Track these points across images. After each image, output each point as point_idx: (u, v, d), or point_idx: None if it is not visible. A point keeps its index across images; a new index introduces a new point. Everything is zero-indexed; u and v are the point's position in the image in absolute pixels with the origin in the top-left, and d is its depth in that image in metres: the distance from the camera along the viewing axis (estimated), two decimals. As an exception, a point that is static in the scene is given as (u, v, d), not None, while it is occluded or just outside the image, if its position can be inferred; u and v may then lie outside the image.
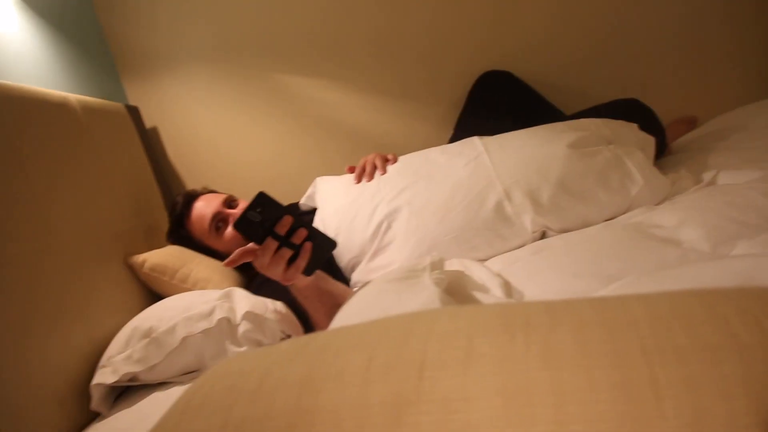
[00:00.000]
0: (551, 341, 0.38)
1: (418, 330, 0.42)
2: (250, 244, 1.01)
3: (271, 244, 0.97)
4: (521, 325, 0.40)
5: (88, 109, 1.67)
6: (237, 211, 1.64)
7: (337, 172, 1.69)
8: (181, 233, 1.68)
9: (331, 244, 1.02)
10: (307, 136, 2.24)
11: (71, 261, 1.33)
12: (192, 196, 1.70)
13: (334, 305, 1.09)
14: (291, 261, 1.00)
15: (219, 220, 1.63)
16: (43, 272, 1.23)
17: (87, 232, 1.44)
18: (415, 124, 2.22)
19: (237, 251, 1.01)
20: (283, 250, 0.98)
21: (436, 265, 0.87)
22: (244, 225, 0.96)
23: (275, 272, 1.00)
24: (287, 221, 0.97)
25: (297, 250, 0.99)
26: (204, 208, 1.65)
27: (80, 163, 1.53)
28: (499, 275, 0.96)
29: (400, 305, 0.72)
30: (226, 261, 1.01)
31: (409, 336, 0.41)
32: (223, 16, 2.21)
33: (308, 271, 1.01)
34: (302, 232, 0.98)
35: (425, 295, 0.70)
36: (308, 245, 0.99)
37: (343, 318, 0.78)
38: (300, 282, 1.07)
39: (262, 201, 0.96)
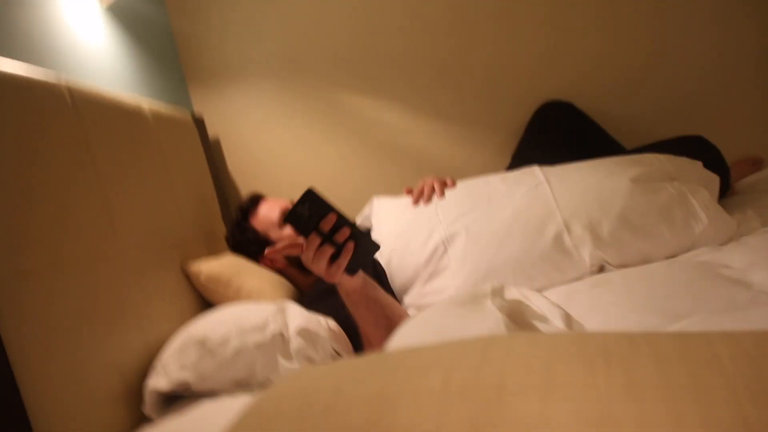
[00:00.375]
0: (633, 372, 0.37)
1: (495, 354, 0.42)
2: (298, 239, 1.03)
3: (315, 239, 0.99)
4: (601, 355, 0.39)
5: (157, 116, 1.73)
6: None
7: (394, 193, 1.71)
8: (243, 225, 1.75)
9: (375, 246, 1.03)
10: (366, 155, 2.26)
11: (132, 265, 1.36)
12: (259, 196, 1.81)
13: (381, 315, 1.10)
14: (334, 259, 1.02)
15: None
16: (105, 274, 1.26)
17: (149, 237, 1.48)
18: (474, 150, 2.22)
19: (283, 242, 1.05)
20: (326, 246, 1.00)
21: (497, 292, 0.87)
22: (293, 218, 0.99)
23: (318, 267, 1.02)
24: (331, 219, 0.99)
25: (339, 248, 1.00)
26: (273, 203, 1.76)
27: (147, 169, 1.58)
28: (558, 306, 0.94)
29: (465, 330, 0.71)
30: (270, 250, 1.05)
31: (486, 359, 0.41)
32: (291, 33, 2.27)
33: (350, 270, 1.03)
34: (345, 231, 1.00)
35: (491, 321, 0.70)
36: (350, 245, 1.01)
37: (403, 338, 0.78)
38: (348, 283, 1.08)
39: (310, 197, 0.98)
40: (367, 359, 0.46)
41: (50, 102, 1.24)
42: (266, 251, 1.07)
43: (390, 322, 1.11)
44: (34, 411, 0.97)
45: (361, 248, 1.01)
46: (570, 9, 2.13)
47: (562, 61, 2.17)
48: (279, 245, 1.05)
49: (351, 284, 1.09)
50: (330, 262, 1.01)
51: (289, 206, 1.69)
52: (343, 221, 1.00)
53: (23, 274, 1.03)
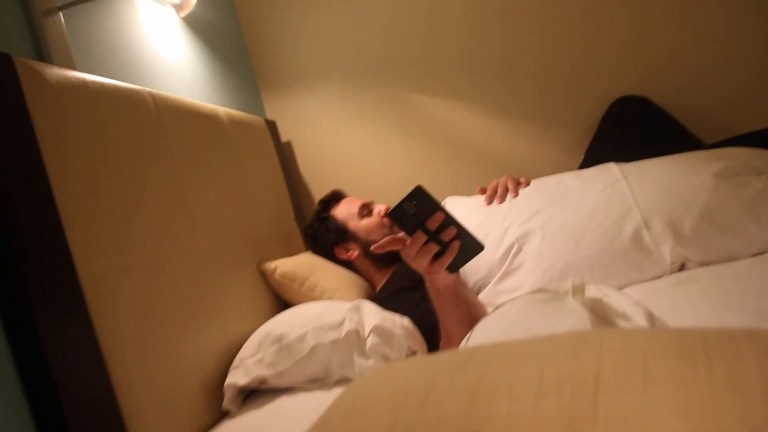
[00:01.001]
0: (735, 367, 0.36)
1: (589, 348, 0.41)
2: (401, 234, 1.04)
3: (421, 236, 1.00)
4: (701, 350, 0.38)
5: (233, 121, 1.79)
6: (383, 205, 1.78)
7: (465, 193, 1.70)
8: (323, 216, 1.82)
9: (479, 246, 1.02)
10: (437, 156, 2.26)
11: (212, 263, 1.41)
12: (340, 193, 1.91)
13: (467, 313, 1.10)
14: (436, 257, 1.02)
15: (367, 209, 1.79)
16: (188, 272, 1.31)
17: (227, 236, 1.53)
18: (545, 149, 2.18)
19: (387, 238, 1.05)
20: (431, 244, 1.00)
21: (578, 290, 0.86)
22: (398, 215, 0.99)
23: (420, 264, 1.02)
24: (439, 217, 0.99)
25: (444, 246, 1.01)
26: (353, 198, 1.85)
27: (224, 171, 1.63)
28: (640, 304, 0.92)
29: (549, 326, 0.71)
30: (375, 246, 1.05)
31: (580, 353, 0.41)
32: (359, 37, 2.30)
33: (452, 268, 1.03)
34: (452, 230, 1.00)
35: (575, 317, 0.69)
36: (456, 243, 1.01)
37: (485, 334, 0.78)
38: (441, 280, 1.08)
39: (418, 194, 0.99)
40: (460, 353, 0.47)
41: (136, 109, 1.30)
42: (372, 248, 1.07)
43: (474, 320, 1.09)
44: (125, 403, 1.02)
45: (464, 247, 1.01)
46: (641, 1, 2.07)
47: (635, 55, 2.11)
48: (382, 242, 1.05)
49: (444, 281, 1.09)
50: (433, 259, 1.02)
51: (369, 203, 1.73)
52: (450, 220, 1.00)
53: (117, 271, 1.09)
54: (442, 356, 0.48)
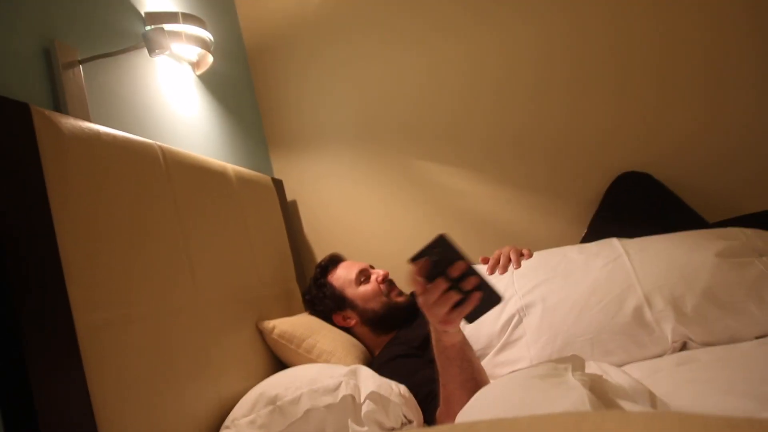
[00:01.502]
0: (738, 460, 0.36)
1: (588, 430, 0.41)
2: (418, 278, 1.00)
3: (441, 283, 0.98)
4: (703, 439, 0.38)
5: (241, 179, 1.81)
6: (382, 270, 1.78)
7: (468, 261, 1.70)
8: (321, 282, 1.81)
9: (498, 298, 1.01)
10: (440, 223, 2.27)
11: (211, 320, 1.40)
12: (338, 257, 1.89)
13: (470, 377, 1.08)
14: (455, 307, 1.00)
15: (364, 275, 1.78)
16: (186, 327, 1.30)
17: (227, 293, 1.52)
18: (548, 220, 2.19)
19: (411, 277, 1.01)
20: (451, 292, 0.98)
21: (578, 366, 0.84)
22: (420, 261, 0.98)
23: (438, 312, 1.00)
24: (461, 266, 0.98)
25: (464, 296, 0.99)
26: (351, 264, 1.83)
27: (229, 228, 1.64)
28: (641, 383, 0.91)
29: (548, 403, 0.70)
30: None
31: (578, 435, 0.40)
32: (366, 102, 2.36)
33: (470, 319, 1.01)
34: (473, 280, 0.99)
35: (574, 396, 0.68)
36: (477, 294, 0.99)
37: (482, 407, 0.77)
38: (449, 338, 1.07)
39: (441, 243, 0.98)
40: (458, 427, 0.46)
41: (146, 162, 1.32)
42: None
43: (476, 386, 1.08)
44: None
45: (484, 298, 1.00)
46: (643, 82, 2.12)
47: (638, 132, 2.14)
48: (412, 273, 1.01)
49: (452, 340, 1.08)
50: (451, 308, 1.00)
51: (367, 266, 1.73)
52: (472, 270, 0.99)
53: (114, 324, 1.08)
54: (441, 429, 0.47)
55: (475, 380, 1.10)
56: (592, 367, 1.05)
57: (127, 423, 1.05)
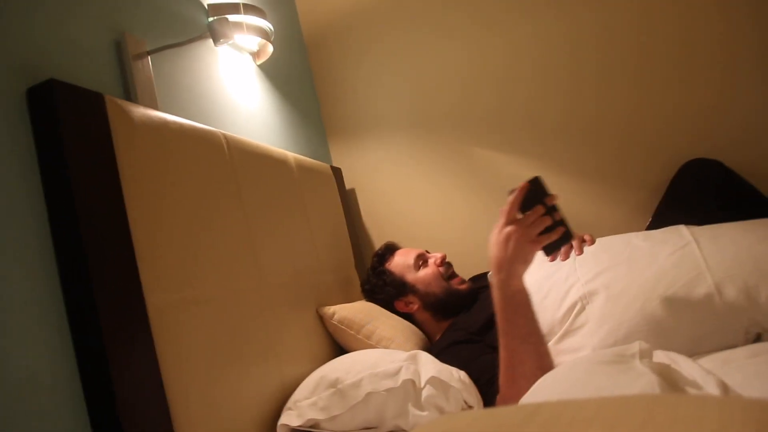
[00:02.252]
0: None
1: (660, 414, 0.40)
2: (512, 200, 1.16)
3: (540, 209, 1.14)
4: (783, 424, 0.36)
5: (301, 167, 1.83)
6: (439, 253, 1.82)
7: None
8: (379, 270, 1.83)
9: (571, 236, 1.18)
10: (497, 210, 2.25)
11: (273, 304, 1.43)
12: (394, 245, 1.92)
13: (534, 332, 1.16)
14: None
15: (422, 259, 1.80)
16: (250, 311, 1.34)
17: (288, 278, 1.55)
18: (612, 208, 2.14)
19: (512, 198, 1.16)
20: (546, 217, 1.14)
21: (645, 354, 0.82)
22: (533, 186, 1.16)
23: (532, 232, 1.14)
24: (554, 198, 1.16)
25: (552, 225, 1.15)
26: (407, 249, 1.86)
27: (290, 215, 1.67)
28: (712, 373, 0.88)
29: (616, 388, 0.68)
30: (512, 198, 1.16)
31: (650, 418, 0.39)
32: (425, 89, 2.35)
33: (548, 250, 1.17)
34: (558, 215, 1.16)
35: (644, 381, 0.66)
36: (561, 228, 1.16)
37: (547, 390, 0.76)
38: (517, 283, 1.15)
39: (537, 183, 1.16)
40: (524, 407, 0.46)
41: (211, 150, 1.35)
42: (510, 198, 1.17)
43: (538, 344, 1.15)
44: (181, 436, 1.03)
45: (564, 234, 1.16)
46: (710, 65, 2.03)
47: (711, 117, 2.06)
48: (510, 198, 1.17)
49: (520, 285, 1.16)
50: (539, 234, 1.14)
51: (424, 253, 1.78)
52: (557, 208, 1.16)
53: (181, 305, 1.12)
54: (506, 410, 0.47)
55: (538, 338, 1.16)
56: (659, 356, 1.02)
57: (195, 401, 1.09)
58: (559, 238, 1.16)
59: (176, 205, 1.18)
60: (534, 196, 1.15)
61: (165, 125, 1.21)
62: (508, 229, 1.15)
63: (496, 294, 1.17)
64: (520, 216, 1.16)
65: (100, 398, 0.93)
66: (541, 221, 1.14)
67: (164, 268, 1.10)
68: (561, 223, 1.16)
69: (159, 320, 1.05)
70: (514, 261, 1.14)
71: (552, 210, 1.15)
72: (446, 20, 2.31)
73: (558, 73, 2.18)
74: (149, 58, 1.34)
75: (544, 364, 1.14)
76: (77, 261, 0.94)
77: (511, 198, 1.17)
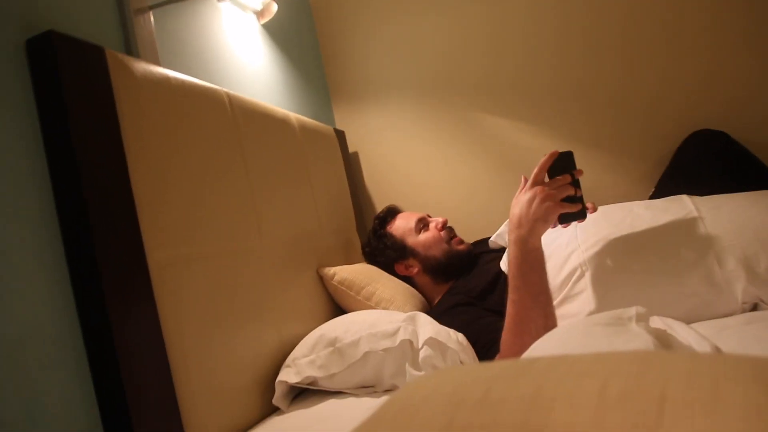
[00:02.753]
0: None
1: (654, 366, 0.40)
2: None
3: (568, 177, 1.21)
4: (776, 378, 0.37)
5: (304, 128, 1.82)
6: (440, 218, 1.82)
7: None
8: (380, 233, 1.83)
9: (585, 215, 1.24)
10: (501, 177, 2.24)
11: (273, 262, 1.44)
12: (395, 209, 1.92)
13: (545, 291, 1.19)
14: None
15: (423, 223, 1.80)
16: (251, 270, 1.34)
17: (290, 238, 1.56)
18: (614, 178, 2.13)
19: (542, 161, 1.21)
20: (571, 186, 1.20)
21: (642, 318, 0.83)
22: (564, 157, 1.22)
23: (558, 196, 1.18)
24: (580, 172, 1.23)
25: (574, 197, 1.21)
26: (409, 213, 1.87)
27: (292, 175, 1.67)
28: (707, 339, 0.89)
29: (611, 348, 0.69)
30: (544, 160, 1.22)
31: (646, 370, 0.40)
32: (431, 54, 2.32)
33: (563, 220, 1.24)
34: (579, 191, 1.23)
35: (639, 342, 0.67)
36: (579, 204, 1.22)
37: (543, 351, 0.77)
38: (535, 240, 1.19)
39: (568, 156, 1.23)
40: (517, 362, 0.46)
41: (213, 107, 1.34)
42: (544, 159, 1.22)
43: (546, 304, 1.19)
44: (181, 387, 1.05)
45: (581, 210, 1.23)
46: (719, 36, 2.00)
47: (715, 88, 2.04)
48: (541, 161, 1.22)
49: (538, 243, 1.20)
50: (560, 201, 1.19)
51: (425, 217, 1.78)
52: (580, 185, 1.24)
53: (182, 261, 1.12)
54: (500, 364, 0.47)
55: (547, 297, 1.19)
56: (656, 322, 1.02)
57: (194, 356, 1.10)
58: (578, 212, 1.22)
59: (178, 161, 1.17)
60: (562, 166, 1.21)
61: (167, 81, 1.20)
62: (536, 188, 1.20)
63: (513, 250, 1.20)
64: (546, 180, 1.22)
65: (101, 351, 0.94)
66: (567, 188, 1.19)
67: (165, 224, 1.10)
68: (580, 199, 1.22)
69: (160, 276, 1.05)
70: (537, 219, 1.18)
71: (575, 184, 1.21)
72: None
73: (571, 40, 2.15)
74: (151, 13, 1.32)
75: (549, 324, 1.16)
76: (78, 215, 0.94)
77: (542, 161, 1.21)
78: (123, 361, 0.93)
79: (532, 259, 1.19)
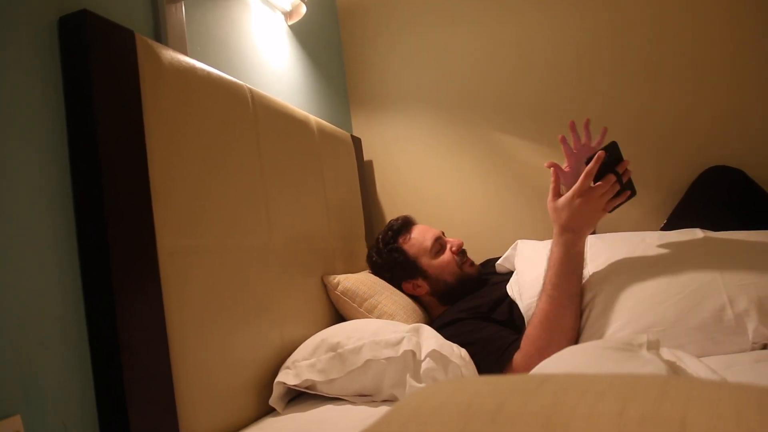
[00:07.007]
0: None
1: (674, 391, 0.39)
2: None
3: (612, 177, 1.25)
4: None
5: (322, 131, 1.82)
6: (455, 240, 1.74)
7: (537, 238, 1.66)
8: (392, 246, 1.74)
9: (635, 193, 1.30)
10: (513, 197, 2.23)
11: (279, 262, 1.44)
12: (411, 220, 1.82)
13: (580, 293, 1.28)
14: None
15: (441, 244, 1.72)
16: (258, 268, 1.34)
17: (298, 241, 1.55)
18: (626, 207, 2.05)
19: (590, 165, 1.23)
20: (617, 184, 1.25)
21: (652, 345, 0.82)
22: (608, 153, 1.24)
23: (604, 200, 1.26)
24: (625, 164, 1.26)
25: (622, 188, 1.26)
26: (425, 228, 1.77)
27: (306, 177, 1.66)
28: (716, 373, 0.87)
29: (623, 372, 0.68)
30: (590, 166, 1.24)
31: (665, 395, 0.39)
32: (452, 69, 2.32)
33: (613, 209, 1.29)
34: (627, 175, 1.27)
35: (653, 368, 0.65)
36: (627, 192, 1.28)
37: (556, 370, 0.75)
38: (580, 240, 1.28)
39: (613, 147, 1.25)
40: (532, 377, 0.45)
41: (235, 102, 1.35)
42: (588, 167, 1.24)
43: (578, 306, 1.27)
44: (179, 381, 1.04)
45: (631, 195, 1.28)
46: (744, 71, 1.99)
47: (734, 124, 2.02)
48: (587, 169, 1.24)
49: (582, 247, 1.29)
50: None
51: (441, 236, 1.73)
52: (627, 174, 1.27)
53: (188, 251, 1.12)
54: (516, 377, 0.46)
55: (580, 301, 1.28)
56: (665, 353, 1.01)
57: (195, 346, 1.09)
58: (627, 199, 1.29)
59: (197, 151, 1.17)
60: (607, 163, 1.24)
61: (193, 71, 1.20)
62: (585, 196, 1.25)
63: (558, 250, 1.28)
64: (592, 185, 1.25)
65: (103, 335, 0.93)
66: (612, 190, 1.25)
67: (178, 212, 1.10)
68: (629, 184, 1.28)
69: (168, 264, 1.05)
70: (584, 225, 1.27)
71: (620, 179, 1.25)
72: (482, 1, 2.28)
73: (579, 67, 2.16)
74: (183, 3, 1.33)
75: (576, 326, 1.26)
76: (94, 194, 0.94)
77: (588, 168, 1.23)
78: (123, 346, 0.93)
79: (576, 263, 1.27)
